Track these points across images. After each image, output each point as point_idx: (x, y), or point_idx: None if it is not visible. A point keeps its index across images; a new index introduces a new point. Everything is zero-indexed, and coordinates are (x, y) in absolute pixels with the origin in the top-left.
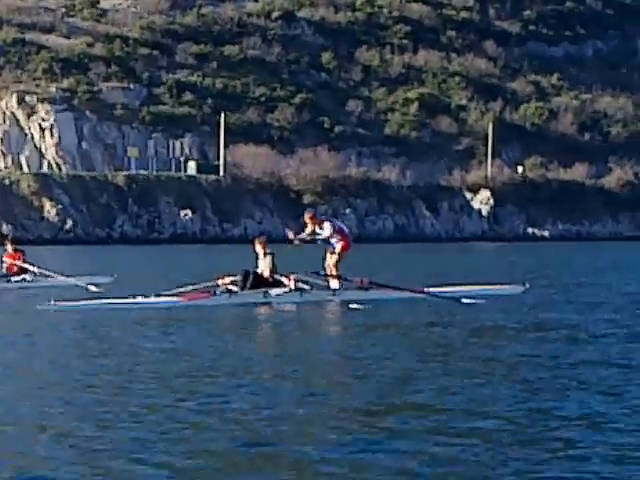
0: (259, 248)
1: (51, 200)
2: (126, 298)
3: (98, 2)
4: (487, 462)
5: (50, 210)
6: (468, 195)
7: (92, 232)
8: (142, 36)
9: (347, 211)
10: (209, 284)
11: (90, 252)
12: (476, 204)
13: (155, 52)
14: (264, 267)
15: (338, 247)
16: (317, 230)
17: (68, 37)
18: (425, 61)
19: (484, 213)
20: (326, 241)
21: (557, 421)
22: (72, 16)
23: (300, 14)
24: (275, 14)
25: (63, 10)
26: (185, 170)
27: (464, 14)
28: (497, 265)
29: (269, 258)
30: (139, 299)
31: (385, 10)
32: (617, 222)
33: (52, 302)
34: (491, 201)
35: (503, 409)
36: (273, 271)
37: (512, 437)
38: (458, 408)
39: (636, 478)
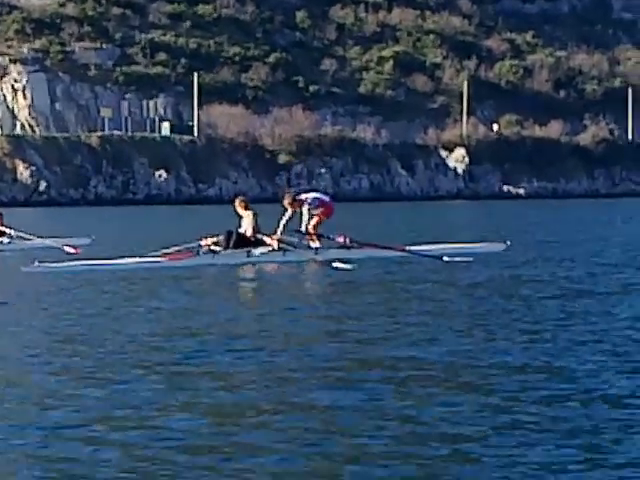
0: (240, 208)
1: (24, 162)
2: (110, 259)
3: None
4: (466, 417)
5: (23, 172)
6: (443, 153)
7: (66, 193)
8: None
9: (322, 170)
10: (192, 244)
11: (64, 213)
12: (451, 162)
13: (128, 12)
14: (246, 227)
15: (317, 211)
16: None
17: None
18: (400, 19)
19: (459, 171)
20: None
21: (538, 374)
22: None
23: None
24: None
25: None
26: (159, 131)
27: None
28: (474, 223)
29: (251, 217)
30: (123, 260)
31: None
32: (593, 179)
33: (36, 264)
34: (466, 159)
35: (485, 362)
36: (256, 230)
37: (493, 388)
38: (437, 360)
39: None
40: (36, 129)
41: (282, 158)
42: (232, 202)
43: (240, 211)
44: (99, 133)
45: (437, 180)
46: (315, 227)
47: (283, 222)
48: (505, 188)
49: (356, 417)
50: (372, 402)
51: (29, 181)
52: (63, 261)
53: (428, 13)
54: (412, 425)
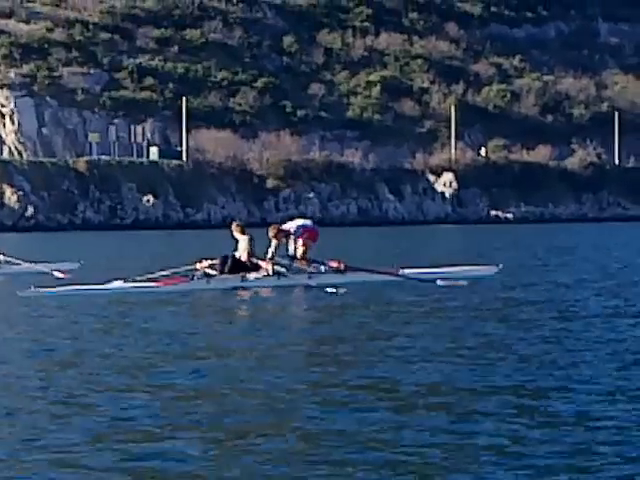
0: (237, 232)
1: (12, 187)
2: (104, 284)
3: None
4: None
5: (11, 197)
6: (431, 178)
7: (53, 218)
8: (102, 20)
9: (310, 195)
10: (187, 268)
11: (52, 238)
12: (439, 187)
13: (116, 37)
14: (242, 251)
15: (302, 238)
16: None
17: (27, 22)
18: (387, 44)
19: (447, 196)
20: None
21: (536, 392)
22: (31, 1)
23: None
24: None
25: None
26: (147, 155)
27: None
28: (464, 247)
29: (247, 242)
30: (117, 284)
31: None
32: (580, 203)
33: (32, 288)
34: (454, 184)
35: (473, 384)
36: (251, 255)
37: (479, 411)
38: (423, 383)
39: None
40: (23, 154)
41: (270, 183)
42: (229, 226)
43: (237, 235)
44: (87, 158)
45: (425, 205)
46: (304, 254)
47: (271, 252)
48: (493, 212)
49: (340, 440)
50: (357, 425)
51: (16, 206)
52: (57, 286)
53: (415, 38)
54: (392, 448)
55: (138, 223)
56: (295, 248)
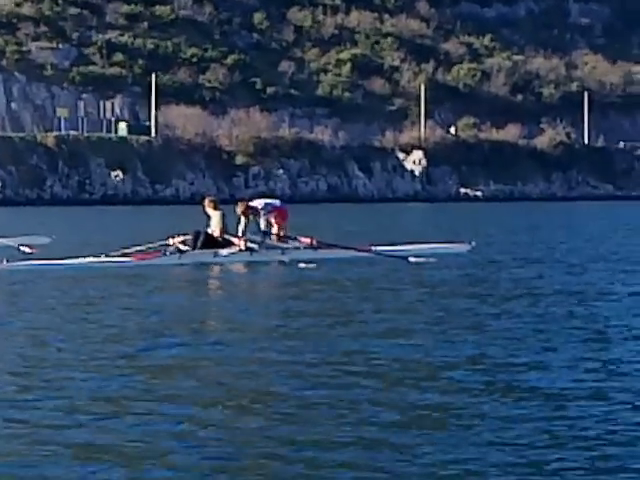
0: (209, 208)
1: None
2: (76, 258)
3: None
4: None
5: None
6: (401, 156)
7: (22, 193)
8: None
9: (280, 172)
10: (160, 243)
11: (20, 213)
12: (409, 165)
13: (85, 12)
14: (215, 227)
15: (272, 217)
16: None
17: None
18: (358, 22)
19: (417, 173)
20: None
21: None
22: None
23: None
24: None
25: None
26: (116, 131)
27: None
28: (434, 225)
29: (219, 217)
30: (90, 259)
31: None
32: (549, 182)
33: (4, 262)
34: (424, 162)
35: (442, 358)
36: (223, 231)
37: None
38: (393, 358)
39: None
40: None
41: (239, 159)
42: (200, 202)
43: (209, 211)
44: (55, 133)
45: (394, 182)
46: (278, 231)
47: (241, 229)
48: (462, 191)
49: (314, 418)
50: (329, 400)
51: None
52: (27, 260)
53: (386, 16)
54: (368, 426)
55: (107, 198)
56: (267, 225)
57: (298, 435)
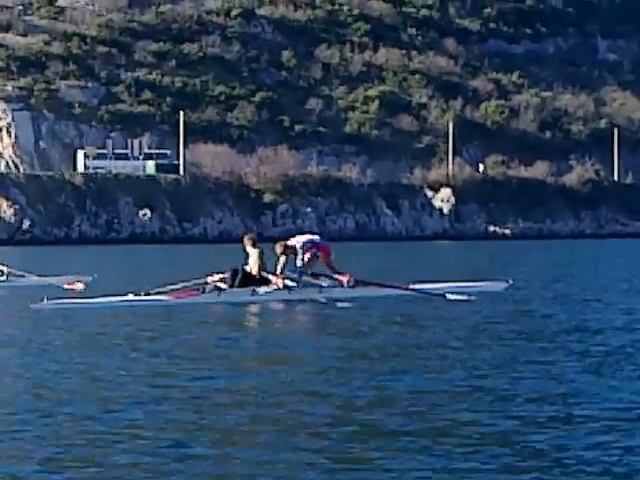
0: (248, 245)
1: (7, 200)
2: (115, 297)
3: (55, 0)
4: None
5: (7, 210)
6: (429, 193)
7: (50, 232)
8: (100, 34)
9: (308, 210)
10: (199, 281)
11: (49, 252)
12: (437, 202)
13: (113, 50)
14: (252, 264)
15: (310, 253)
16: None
17: (25, 35)
18: (385, 59)
19: (445, 211)
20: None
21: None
22: (29, 14)
23: (260, 12)
24: (234, 12)
25: (20, 8)
26: (144, 169)
27: (424, 12)
28: (464, 263)
29: (257, 255)
30: (130, 297)
31: (345, 8)
32: (579, 220)
33: (45, 301)
34: (452, 199)
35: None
36: (262, 268)
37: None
38: (438, 393)
39: None
40: (20, 167)
41: (267, 197)
42: (241, 240)
43: (248, 249)
44: (83, 171)
45: (422, 220)
46: (310, 268)
47: (280, 267)
48: (491, 228)
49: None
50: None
51: (12, 219)
52: (70, 298)
53: (414, 53)
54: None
55: (134, 237)
56: (303, 262)
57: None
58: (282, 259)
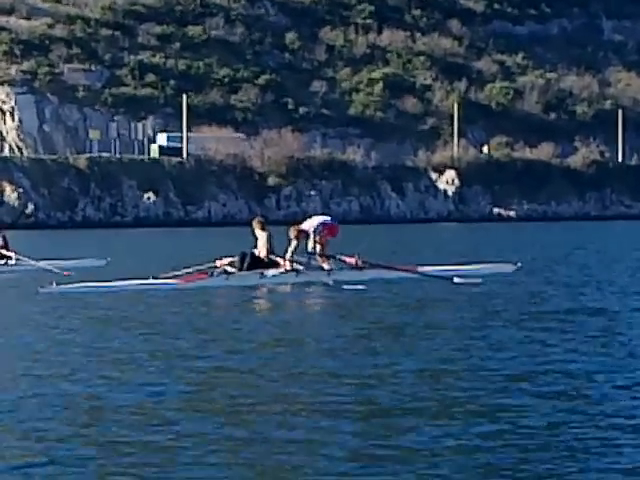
0: (257, 228)
1: (11, 184)
2: (123, 281)
3: None
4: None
5: (10, 194)
6: (433, 175)
7: (53, 216)
8: (103, 17)
9: (312, 193)
10: (207, 265)
11: (54, 236)
12: (441, 184)
13: (117, 33)
14: (261, 247)
15: (319, 237)
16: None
17: (28, 18)
18: (389, 41)
19: (450, 193)
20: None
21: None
22: None
23: None
24: None
25: None
26: (148, 152)
27: None
28: (470, 245)
29: (266, 238)
30: (138, 281)
31: None
32: (583, 202)
33: (54, 285)
34: (456, 181)
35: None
36: (270, 252)
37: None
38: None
39: None
40: (24, 151)
41: (271, 180)
42: (250, 223)
43: (257, 232)
44: (87, 155)
45: (427, 202)
46: (322, 251)
47: (290, 251)
48: (495, 210)
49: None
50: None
51: (16, 203)
52: (79, 282)
53: (418, 35)
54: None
55: (139, 221)
56: (314, 245)
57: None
58: (294, 243)
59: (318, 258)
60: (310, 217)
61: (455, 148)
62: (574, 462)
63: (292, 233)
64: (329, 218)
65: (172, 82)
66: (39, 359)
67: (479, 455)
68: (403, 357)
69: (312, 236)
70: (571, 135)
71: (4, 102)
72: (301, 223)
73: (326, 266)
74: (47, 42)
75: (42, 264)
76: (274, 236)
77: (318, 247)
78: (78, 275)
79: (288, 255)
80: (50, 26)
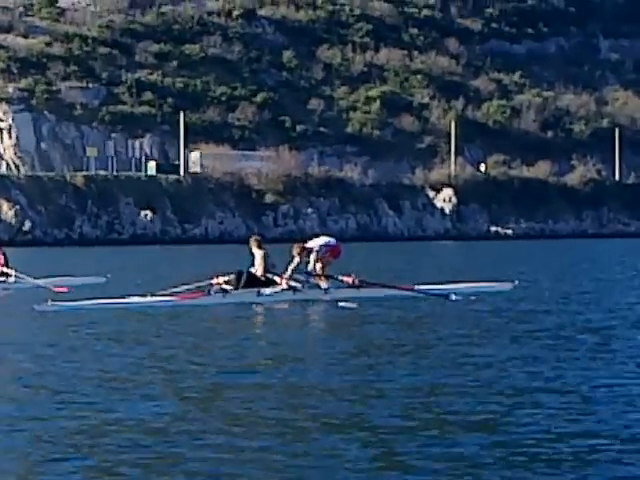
0: (254, 247)
1: (8, 201)
2: (121, 298)
3: (56, 1)
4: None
5: (7, 211)
6: (431, 193)
7: (50, 233)
8: (101, 35)
9: (309, 210)
10: (203, 283)
11: (51, 253)
12: (439, 202)
13: (114, 51)
14: (258, 266)
15: (325, 257)
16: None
17: (26, 36)
18: (387, 59)
19: (447, 211)
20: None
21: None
22: (30, 15)
23: (261, 12)
24: (236, 12)
25: (21, 9)
26: (145, 170)
27: (426, 12)
28: (467, 263)
29: (262, 257)
30: (135, 299)
31: (347, 8)
32: (580, 220)
33: (49, 302)
34: (454, 199)
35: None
36: (266, 270)
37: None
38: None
39: None
40: (21, 168)
41: (269, 198)
42: (247, 240)
43: (254, 250)
44: (84, 172)
45: (424, 220)
46: (322, 269)
47: (291, 268)
48: (493, 228)
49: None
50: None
51: (13, 220)
52: (75, 300)
53: (415, 53)
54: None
55: (136, 238)
56: (314, 264)
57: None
58: (296, 260)
59: (316, 277)
60: (316, 236)
61: (452, 166)
62: (569, 476)
63: (295, 250)
64: (333, 240)
65: (169, 100)
66: (29, 375)
67: (477, 471)
68: (399, 374)
69: (314, 255)
70: (568, 153)
71: (1, 120)
72: (305, 242)
73: (323, 285)
74: (45, 60)
75: (41, 282)
76: (271, 254)
77: (319, 265)
78: (79, 293)
79: (288, 272)
80: (48, 44)
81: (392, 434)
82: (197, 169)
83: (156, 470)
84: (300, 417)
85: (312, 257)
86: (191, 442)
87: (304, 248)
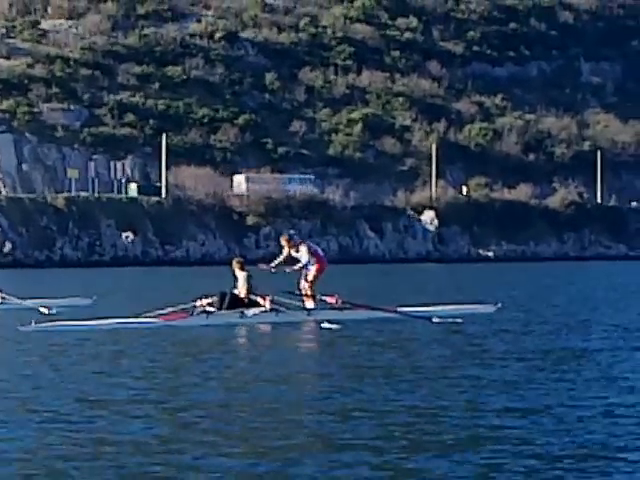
0: (237, 269)
1: None
2: (105, 319)
3: (39, 23)
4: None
5: None
6: (412, 215)
7: (31, 255)
8: (83, 57)
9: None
10: (186, 305)
11: (33, 275)
12: (420, 225)
13: (96, 73)
14: (240, 287)
15: (313, 269)
16: (293, 254)
17: (8, 58)
18: (369, 82)
19: (429, 234)
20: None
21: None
22: (12, 37)
23: (243, 35)
24: (218, 35)
25: (3, 31)
26: (126, 192)
27: (408, 35)
28: (449, 286)
29: (245, 278)
30: (118, 320)
31: (329, 31)
32: (562, 242)
33: (33, 323)
34: (435, 221)
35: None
36: (249, 291)
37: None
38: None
39: None
40: (2, 190)
41: (250, 220)
42: (229, 262)
43: (236, 272)
44: (66, 194)
45: (406, 242)
46: (311, 287)
47: (279, 259)
48: (474, 251)
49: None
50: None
51: None
52: (58, 321)
53: (397, 76)
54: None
55: (117, 260)
56: (306, 273)
57: None
58: (285, 251)
59: (305, 296)
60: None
61: (434, 188)
62: None
63: (283, 239)
64: (321, 251)
65: (151, 122)
66: (13, 397)
67: None
68: (382, 395)
69: (306, 253)
70: (550, 176)
71: None
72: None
73: (309, 305)
74: (26, 81)
75: (29, 302)
76: (253, 276)
77: (310, 276)
78: (66, 314)
79: (275, 261)
80: (30, 66)
81: (375, 454)
82: (242, 191)
83: None
84: (282, 435)
85: (302, 250)
86: (175, 461)
87: (291, 236)
